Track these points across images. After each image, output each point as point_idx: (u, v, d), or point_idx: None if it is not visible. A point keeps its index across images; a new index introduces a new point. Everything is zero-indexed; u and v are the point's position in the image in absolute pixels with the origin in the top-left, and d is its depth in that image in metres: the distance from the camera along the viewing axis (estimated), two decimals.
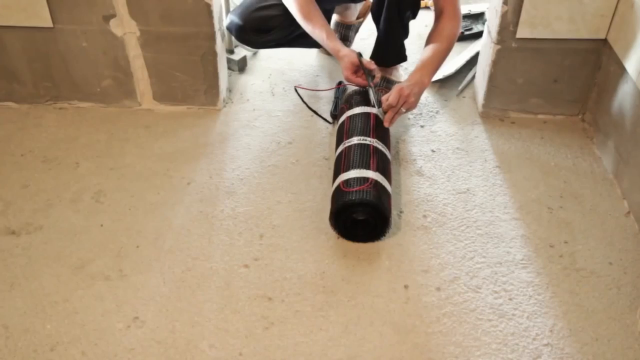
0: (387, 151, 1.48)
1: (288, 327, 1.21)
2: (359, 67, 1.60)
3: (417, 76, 1.58)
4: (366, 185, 1.33)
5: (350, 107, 1.58)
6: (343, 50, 1.62)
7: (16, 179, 1.58)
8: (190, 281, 1.30)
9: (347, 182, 1.35)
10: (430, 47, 1.63)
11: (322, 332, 1.20)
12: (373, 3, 1.71)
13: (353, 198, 1.31)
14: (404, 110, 1.54)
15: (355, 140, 1.45)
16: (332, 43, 1.63)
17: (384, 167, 1.41)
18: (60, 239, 1.40)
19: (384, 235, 1.38)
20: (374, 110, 1.53)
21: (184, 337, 1.19)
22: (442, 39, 1.63)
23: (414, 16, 1.72)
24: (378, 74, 1.62)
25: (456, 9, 1.65)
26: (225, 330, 1.20)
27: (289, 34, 1.79)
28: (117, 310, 1.24)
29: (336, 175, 1.40)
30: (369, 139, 1.45)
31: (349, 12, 2.05)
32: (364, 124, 1.50)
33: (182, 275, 1.32)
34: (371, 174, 1.36)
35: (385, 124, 1.52)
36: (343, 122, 1.55)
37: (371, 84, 1.57)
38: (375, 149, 1.43)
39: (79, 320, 1.22)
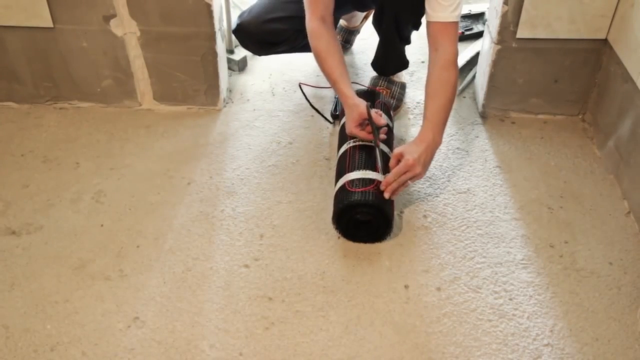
0: (391, 153, 1.48)
1: (288, 327, 1.21)
2: (365, 120, 1.43)
3: (430, 136, 1.39)
4: (371, 186, 1.33)
5: None
6: (354, 99, 1.45)
7: (16, 179, 1.58)
8: (191, 281, 1.30)
9: (352, 182, 1.35)
10: (435, 99, 1.43)
11: (323, 332, 1.20)
12: (374, 14, 1.68)
13: (358, 199, 1.31)
14: (410, 183, 1.39)
15: (359, 140, 1.45)
16: (345, 88, 1.47)
17: (388, 169, 1.41)
18: (60, 239, 1.40)
19: (386, 238, 1.38)
20: (377, 176, 1.38)
21: (184, 337, 1.19)
22: (445, 87, 1.43)
23: (416, 28, 1.67)
24: (384, 130, 1.46)
25: (454, 44, 1.45)
26: (226, 330, 1.20)
27: (295, 46, 1.77)
28: (117, 310, 1.24)
29: (340, 174, 1.40)
30: (373, 140, 1.44)
31: (355, 19, 2.06)
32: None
33: (182, 275, 1.32)
34: (376, 176, 1.36)
35: (386, 195, 1.34)
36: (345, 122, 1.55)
37: (378, 142, 1.41)
38: (380, 150, 1.43)
39: (79, 320, 1.22)
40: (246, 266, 1.34)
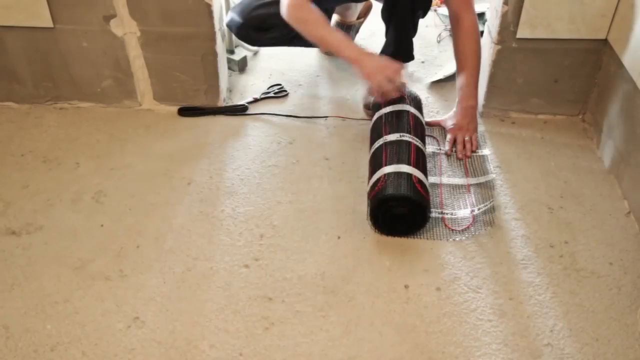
0: (424, 147, 1.51)
1: (288, 327, 1.21)
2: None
3: (463, 103, 1.65)
4: (410, 180, 1.35)
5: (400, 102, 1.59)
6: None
7: (16, 179, 1.58)
8: (191, 281, 1.30)
9: (387, 175, 1.36)
10: (463, 69, 1.65)
11: (323, 332, 1.20)
12: (384, 1, 1.70)
13: (404, 192, 1.32)
14: (475, 142, 1.64)
15: (407, 137, 1.46)
16: (355, 44, 1.60)
17: (423, 163, 1.44)
18: (60, 239, 1.40)
19: (422, 228, 1.40)
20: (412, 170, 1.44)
21: (184, 337, 1.19)
22: (470, 57, 1.64)
23: (424, 15, 1.71)
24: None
25: (472, 14, 1.63)
26: (226, 330, 1.20)
27: (289, 32, 1.77)
28: (118, 311, 1.24)
29: (391, 162, 1.40)
30: (405, 135, 1.47)
31: (349, 13, 2.04)
32: (399, 120, 1.52)
33: (182, 276, 1.32)
34: (411, 170, 1.38)
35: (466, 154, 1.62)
36: (392, 114, 1.55)
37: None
38: (415, 145, 1.45)
39: (79, 321, 1.22)
40: (246, 266, 1.34)
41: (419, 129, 1.52)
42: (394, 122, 1.51)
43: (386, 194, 1.34)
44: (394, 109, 1.54)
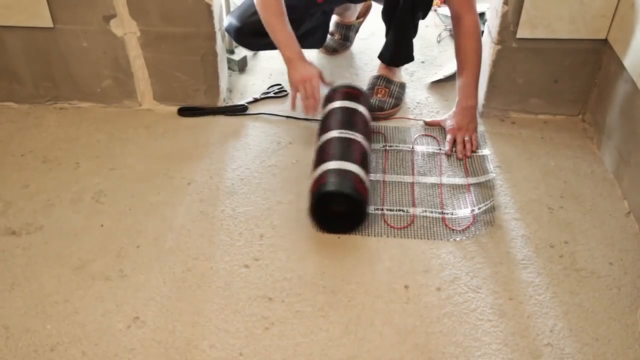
0: (370, 147, 1.52)
1: (288, 327, 1.21)
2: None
3: (462, 103, 1.66)
4: (348, 176, 1.36)
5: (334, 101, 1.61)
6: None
7: (16, 179, 1.58)
8: (191, 281, 1.30)
9: (328, 172, 1.38)
10: (463, 69, 1.66)
11: (323, 332, 1.20)
12: (385, 3, 1.71)
13: (333, 188, 1.34)
14: (475, 142, 1.64)
15: (336, 133, 1.48)
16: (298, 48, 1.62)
17: (365, 162, 1.44)
18: (60, 239, 1.40)
19: (361, 226, 1.40)
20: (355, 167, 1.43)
21: (184, 337, 1.19)
22: (470, 56, 1.65)
23: (424, 16, 1.72)
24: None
25: (474, 14, 1.63)
26: (226, 330, 1.20)
27: None
28: (118, 310, 1.24)
29: (318, 164, 1.43)
30: (350, 132, 1.48)
31: (348, 13, 2.05)
32: (346, 117, 1.54)
33: (182, 276, 1.32)
34: (353, 167, 1.38)
35: (465, 155, 1.62)
36: (326, 114, 1.59)
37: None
38: (359, 143, 1.46)
39: (79, 321, 1.22)
40: (246, 266, 1.34)
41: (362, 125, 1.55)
42: (321, 126, 1.56)
43: (312, 206, 1.37)
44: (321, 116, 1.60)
